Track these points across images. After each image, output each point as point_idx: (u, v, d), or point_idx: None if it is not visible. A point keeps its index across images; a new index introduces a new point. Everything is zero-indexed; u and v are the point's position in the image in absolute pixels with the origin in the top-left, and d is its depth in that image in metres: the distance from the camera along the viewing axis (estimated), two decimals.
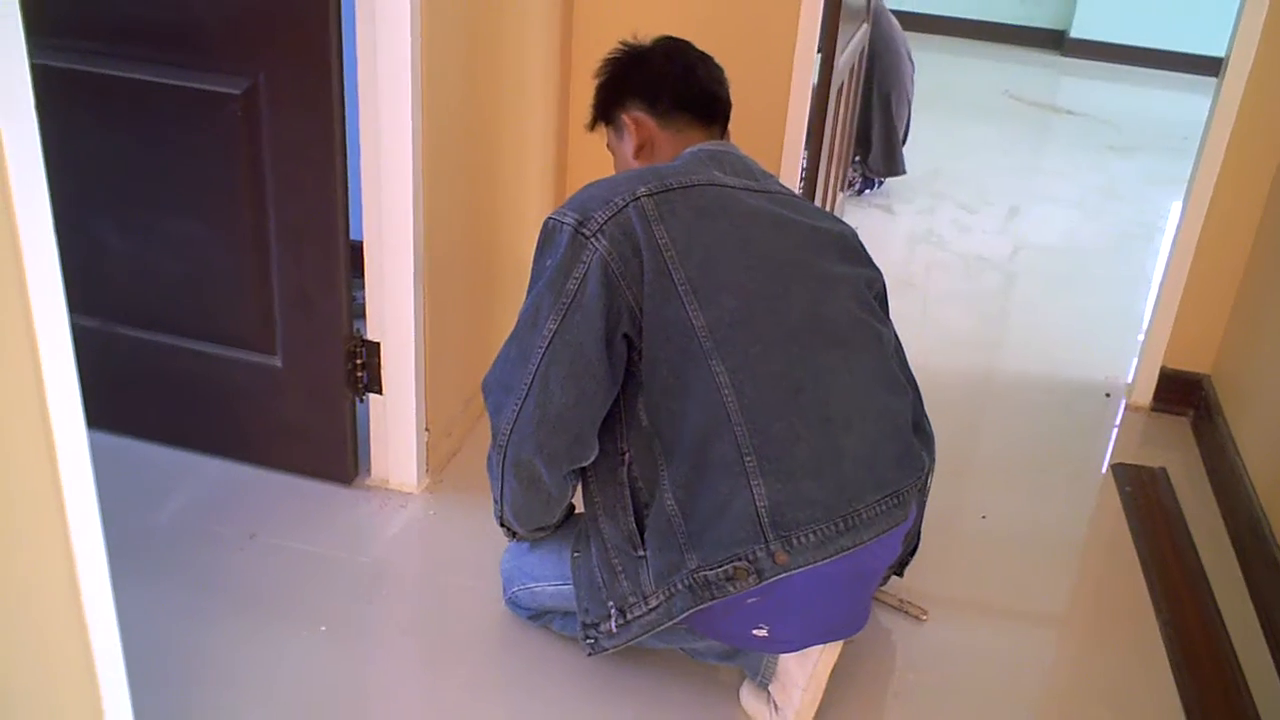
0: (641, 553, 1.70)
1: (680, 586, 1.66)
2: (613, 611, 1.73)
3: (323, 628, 2.00)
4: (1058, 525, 2.47)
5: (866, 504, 1.66)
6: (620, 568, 1.72)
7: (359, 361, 2.28)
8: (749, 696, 1.88)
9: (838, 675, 1.86)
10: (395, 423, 2.33)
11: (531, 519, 1.88)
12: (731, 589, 1.63)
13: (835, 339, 1.73)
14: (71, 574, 1.32)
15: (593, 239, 1.66)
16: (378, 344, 2.27)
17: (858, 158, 4.27)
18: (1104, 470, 2.68)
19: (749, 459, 1.62)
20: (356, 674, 1.92)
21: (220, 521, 2.23)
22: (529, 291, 1.74)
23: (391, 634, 2.02)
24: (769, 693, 1.84)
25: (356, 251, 2.21)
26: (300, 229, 2.16)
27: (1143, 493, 2.57)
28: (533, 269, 1.75)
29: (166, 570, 2.08)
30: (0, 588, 1.22)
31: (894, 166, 4.28)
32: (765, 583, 1.62)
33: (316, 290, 2.20)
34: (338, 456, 2.35)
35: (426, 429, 2.36)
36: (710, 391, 1.64)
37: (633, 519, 1.72)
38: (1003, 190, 4.60)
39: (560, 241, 1.69)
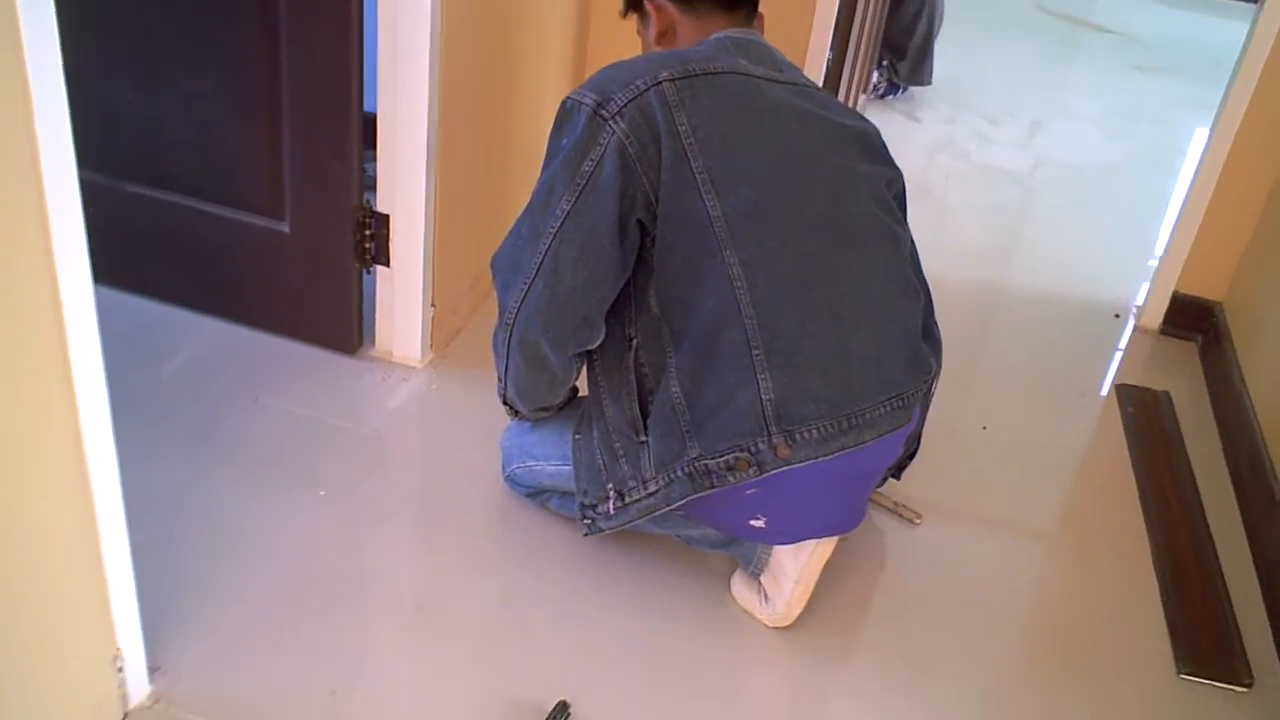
0: (643, 438, 1.70)
1: (680, 474, 1.66)
2: (611, 494, 1.74)
3: (322, 492, 2.01)
4: (1057, 441, 2.48)
5: (872, 404, 1.66)
6: (621, 451, 1.72)
7: (368, 233, 2.26)
8: (740, 585, 1.90)
9: (828, 571, 1.88)
10: (401, 296, 2.31)
11: (535, 398, 1.88)
12: (731, 479, 1.63)
13: (852, 237, 1.71)
14: (75, 423, 1.32)
15: (611, 121, 1.63)
16: (387, 216, 2.24)
17: (885, 62, 4.20)
18: (1107, 390, 2.68)
19: (757, 352, 1.62)
20: (352, 539, 1.94)
21: (224, 382, 2.23)
22: (543, 170, 1.71)
23: (389, 502, 2.04)
24: (760, 582, 1.86)
25: (370, 124, 2.18)
26: (314, 97, 2.12)
27: (1144, 415, 2.57)
28: (548, 147, 1.72)
29: (168, 427, 2.08)
30: (4, 433, 1.22)
31: (920, 76, 4.22)
32: (765, 475, 1.62)
33: (328, 159, 2.18)
34: (342, 326, 2.35)
35: (432, 304, 2.34)
36: (722, 282, 1.63)
37: (636, 405, 1.72)
38: (1026, 104, 4.53)
39: (578, 121, 1.66)
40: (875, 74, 4.17)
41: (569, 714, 1.66)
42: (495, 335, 1.82)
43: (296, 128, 2.16)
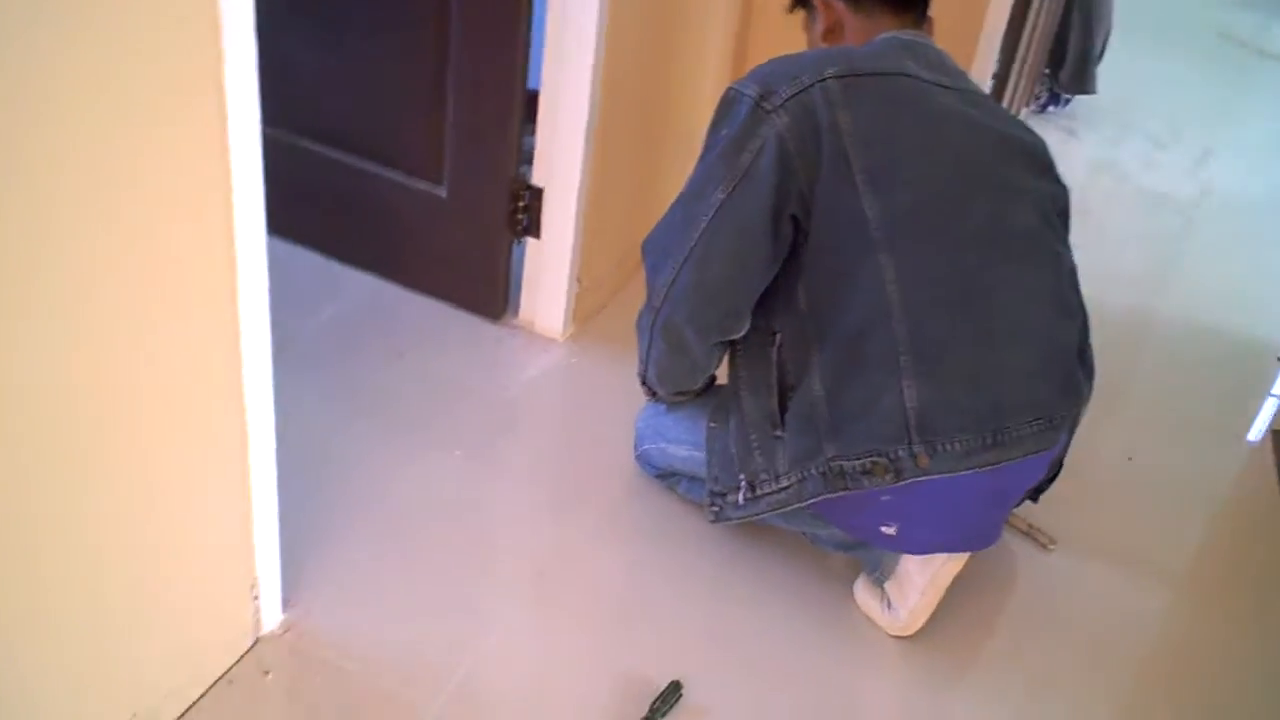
0: (779, 433, 1.69)
1: (814, 472, 1.65)
2: (742, 484, 1.74)
3: (458, 452, 2.05)
4: (1204, 482, 2.39)
5: (1018, 423, 1.62)
6: (756, 444, 1.72)
7: (521, 204, 2.29)
8: (863, 590, 1.88)
9: (954, 586, 1.84)
10: (549, 269, 2.34)
11: (674, 383, 1.89)
12: (866, 483, 1.61)
13: (1012, 251, 1.67)
14: (237, 358, 1.37)
15: (773, 114, 1.62)
16: (541, 189, 2.27)
17: (1047, 70, 4.08)
18: (1262, 435, 2.57)
19: (904, 358, 1.59)
20: (483, 500, 1.98)
21: (372, 336, 2.29)
22: (701, 159, 1.71)
23: (522, 469, 2.07)
24: (884, 589, 1.84)
25: (532, 99, 2.20)
26: (481, 70, 2.16)
27: None
28: (707, 137, 1.72)
29: (316, 373, 2.15)
30: (173, 363, 1.27)
31: (1084, 84, 4.08)
32: (902, 483, 1.60)
33: (489, 128, 2.21)
34: (489, 293, 2.39)
35: (578, 280, 2.37)
36: (875, 284, 1.60)
37: (775, 399, 1.71)
38: (1197, 130, 4.36)
39: (739, 112, 1.65)
40: (1037, 84, 4.06)
41: (680, 695, 1.67)
42: (640, 316, 1.82)
43: (462, 98, 2.20)
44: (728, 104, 1.68)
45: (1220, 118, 4.63)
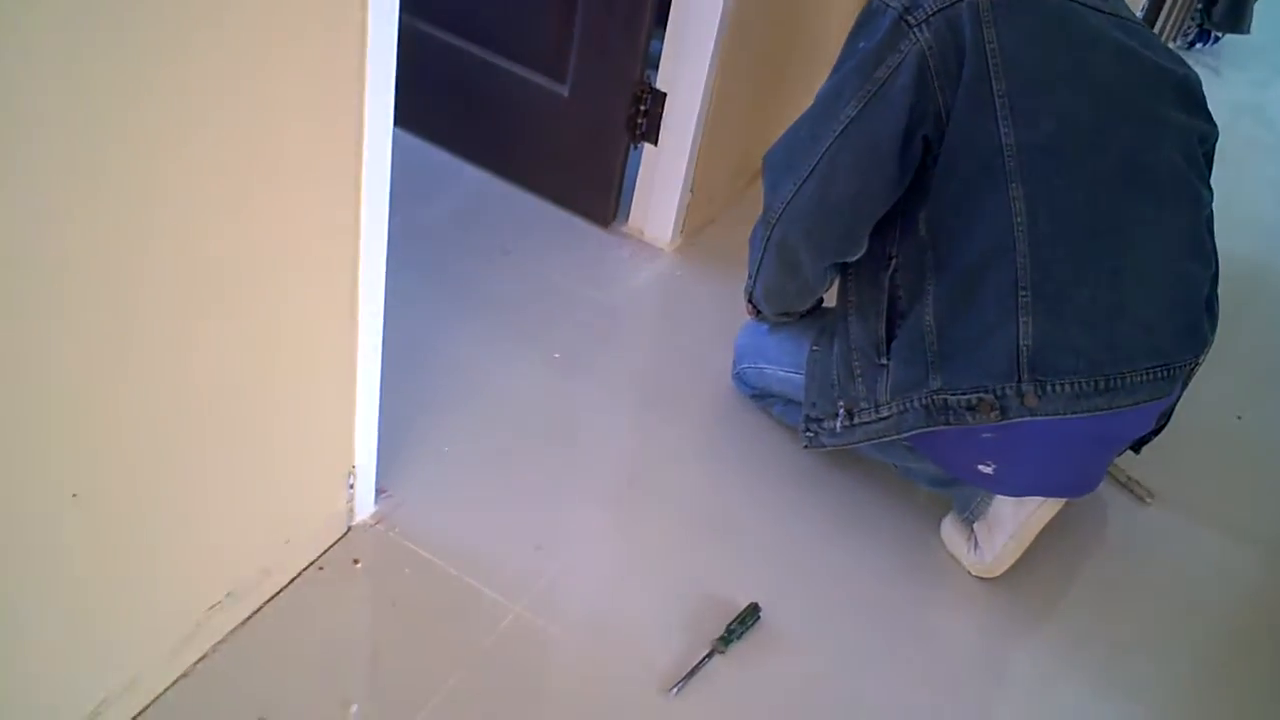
0: (884, 361, 1.67)
1: (916, 404, 1.63)
2: (840, 411, 1.72)
3: (556, 355, 2.06)
4: None
5: (1135, 369, 1.58)
6: (860, 371, 1.70)
7: (642, 108, 2.26)
8: (951, 529, 1.87)
9: (1044, 532, 1.81)
10: (663, 177, 2.32)
11: (781, 302, 1.87)
12: (970, 419, 1.59)
13: (1151, 189, 1.60)
14: (355, 245, 1.38)
15: (916, 29, 1.55)
16: (664, 94, 2.24)
17: (1200, 5, 3.89)
18: None
19: (1024, 293, 1.55)
20: (579, 406, 1.99)
21: (479, 231, 2.30)
22: (834, 71, 1.66)
23: (618, 377, 2.08)
24: (973, 529, 1.82)
25: (664, 2, 2.16)
26: None
27: None
28: (843, 49, 1.66)
29: (423, 267, 2.17)
30: (295, 244, 1.29)
31: (1239, 23, 3.88)
32: (1006, 422, 1.57)
33: (617, 29, 2.17)
34: (601, 197, 2.37)
35: (692, 190, 2.34)
36: (1002, 215, 1.55)
37: (884, 326, 1.68)
38: None
39: (881, 25, 1.58)
40: (1188, 19, 3.88)
41: (759, 617, 1.68)
42: (754, 231, 1.80)
43: None
44: (869, 15, 1.62)
45: None
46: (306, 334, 1.39)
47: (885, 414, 1.67)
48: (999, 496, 1.76)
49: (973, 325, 1.58)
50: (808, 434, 1.80)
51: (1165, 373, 1.61)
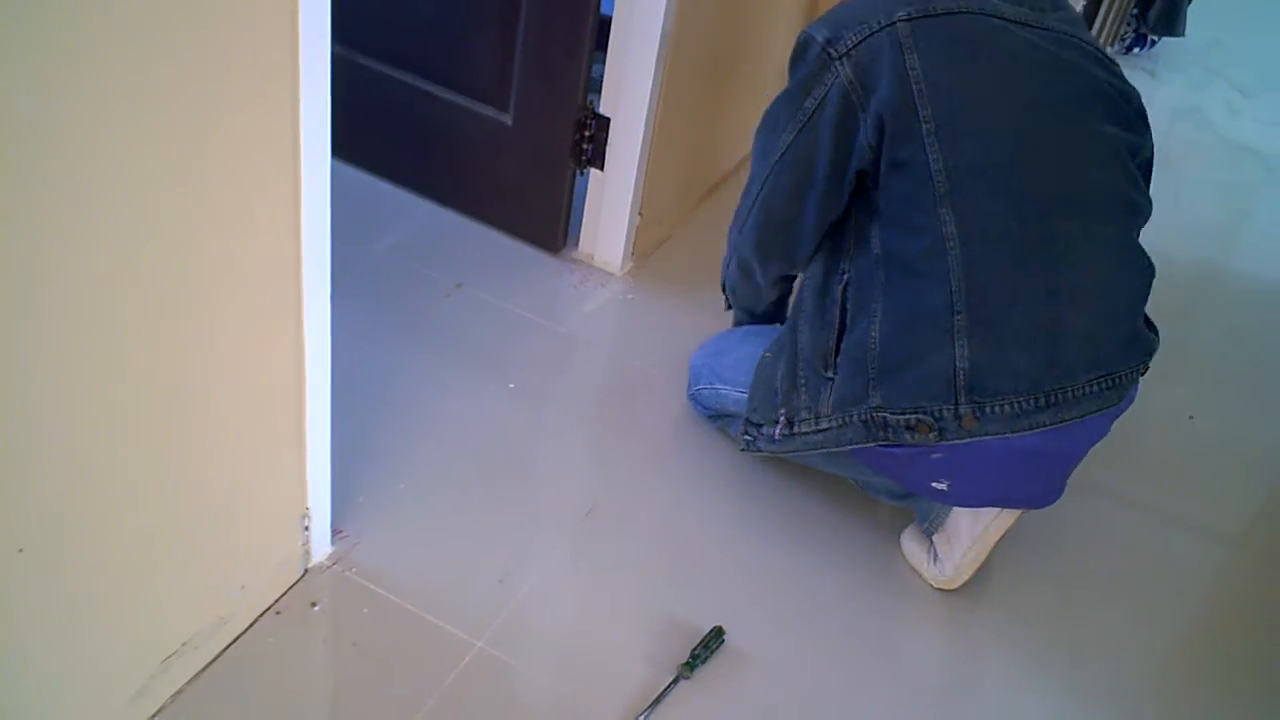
0: (830, 374, 1.67)
1: (855, 419, 1.63)
2: (780, 419, 1.73)
3: (511, 385, 2.05)
4: (1268, 443, 2.34)
5: (1078, 383, 1.59)
6: (804, 381, 1.70)
7: (587, 134, 2.26)
8: (910, 541, 1.87)
9: (1002, 541, 1.82)
10: (610, 201, 2.32)
11: (742, 300, 2.02)
12: (909, 438, 1.59)
13: (1082, 205, 1.62)
14: (298, 283, 1.37)
15: (837, 62, 1.60)
16: (608, 119, 2.24)
17: (1136, 10, 3.95)
18: None
19: (959, 316, 1.56)
20: (535, 435, 1.99)
21: (429, 265, 2.29)
22: (780, 94, 1.72)
23: (575, 404, 2.07)
24: (932, 541, 1.83)
25: (604, 26, 2.16)
26: None
27: None
28: (788, 75, 1.72)
29: (372, 302, 2.15)
30: (233, 284, 1.28)
31: (1174, 26, 3.94)
32: (945, 443, 1.58)
33: (557, 55, 2.18)
34: (550, 224, 2.37)
35: (640, 213, 2.34)
36: (935, 239, 1.57)
37: (834, 337, 1.68)
38: None
39: (808, 57, 1.64)
40: (1124, 25, 3.93)
41: (723, 640, 1.68)
42: (730, 226, 1.90)
43: (531, 21, 2.16)
44: (800, 47, 1.67)
45: None
46: (251, 376, 1.38)
47: (825, 426, 1.67)
48: (956, 508, 1.76)
49: (911, 345, 1.59)
50: (746, 437, 1.81)
51: (1111, 382, 1.62)
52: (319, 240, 1.36)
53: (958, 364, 1.56)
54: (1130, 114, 1.71)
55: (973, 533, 1.76)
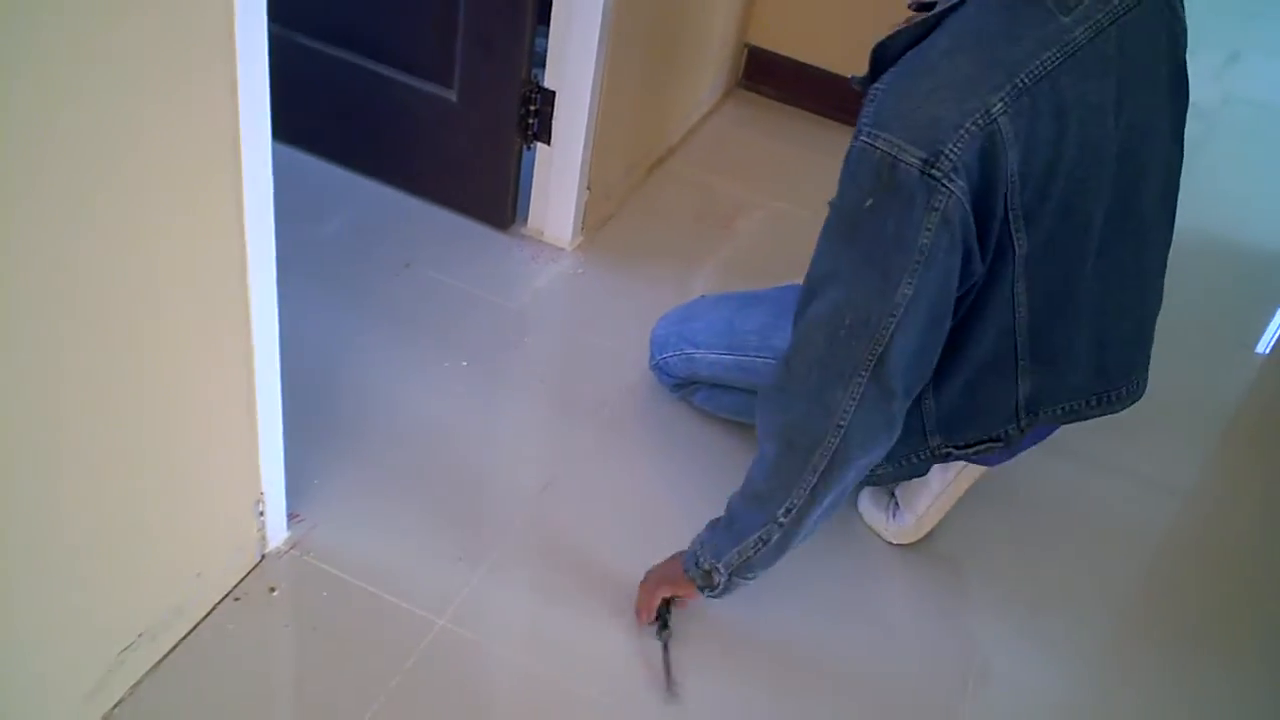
0: None
1: (917, 460, 1.65)
2: None
3: (464, 362, 2.04)
4: (1214, 395, 2.38)
5: (1127, 380, 1.66)
6: None
7: (532, 108, 2.25)
8: (868, 500, 1.89)
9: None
10: (558, 176, 2.31)
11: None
12: (973, 457, 1.65)
13: (1137, 233, 1.56)
14: (242, 268, 1.36)
15: (945, 181, 1.27)
16: (553, 93, 2.23)
17: None
18: (1272, 346, 2.56)
19: (1023, 363, 1.54)
20: (489, 411, 1.98)
21: (378, 245, 2.27)
22: (839, 236, 1.38)
23: (528, 380, 2.06)
24: (894, 495, 1.84)
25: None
26: None
27: None
28: (845, 204, 1.35)
29: (322, 283, 2.13)
30: (176, 272, 1.26)
31: None
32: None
33: (500, 30, 2.16)
34: (498, 200, 2.36)
35: (588, 187, 2.33)
36: (1004, 312, 1.47)
37: None
38: (1225, 32, 4.25)
39: (901, 184, 1.28)
40: None
41: (670, 612, 1.68)
42: (733, 532, 1.56)
43: None
44: (874, 168, 1.29)
45: (1251, 18, 4.51)
46: (198, 361, 1.36)
47: (880, 471, 1.65)
48: None
49: (975, 402, 1.58)
50: None
51: (1149, 359, 1.70)
52: (263, 223, 1.35)
53: (1020, 399, 1.58)
54: (1184, 83, 1.56)
55: (941, 481, 1.78)
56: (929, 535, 1.85)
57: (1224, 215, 3.03)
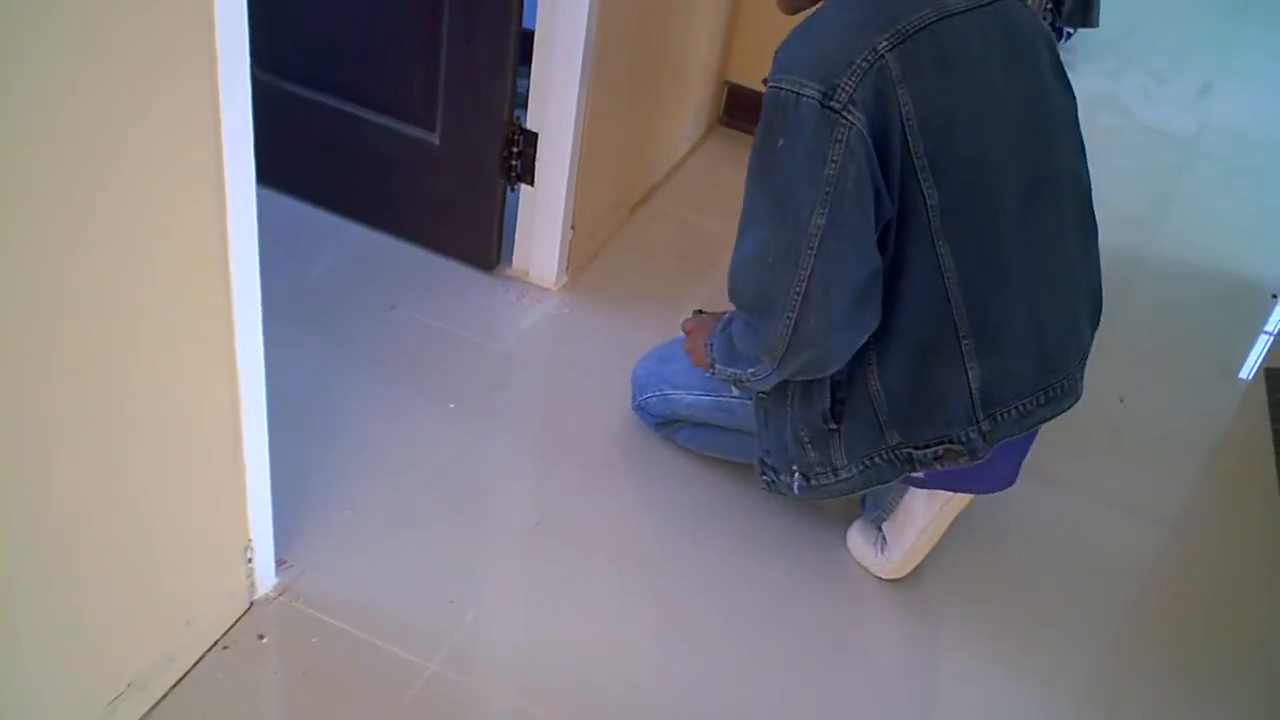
0: (834, 426, 1.63)
1: (879, 460, 1.62)
2: (795, 473, 1.69)
3: (451, 405, 2.04)
4: (1196, 422, 2.39)
5: (1069, 372, 1.64)
6: (808, 439, 1.65)
7: (515, 149, 2.26)
8: (857, 535, 1.89)
9: (946, 531, 1.84)
10: (542, 216, 2.32)
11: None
12: (938, 466, 1.60)
13: (1051, 198, 1.59)
14: (228, 314, 1.36)
15: (844, 113, 1.39)
16: (536, 134, 2.24)
17: (1050, 4, 4.02)
18: (1254, 373, 2.58)
19: (966, 341, 1.54)
20: (478, 454, 1.98)
21: (363, 288, 2.28)
22: (760, 175, 1.50)
23: (515, 422, 2.07)
24: (881, 530, 1.84)
25: (527, 40, 2.17)
26: (474, 10, 2.12)
27: None
28: (759, 148, 1.49)
29: (308, 327, 2.14)
30: (163, 319, 1.26)
31: (1088, 16, 4.01)
32: (978, 461, 1.59)
33: (482, 72, 2.18)
34: (482, 242, 2.37)
35: (572, 227, 2.35)
36: (933, 276, 1.50)
37: (828, 392, 1.62)
38: (1200, 63, 4.30)
39: (802, 117, 1.41)
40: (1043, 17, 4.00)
41: None
42: (733, 345, 1.64)
43: (455, 39, 2.16)
44: (780, 106, 1.44)
45: (1224, 48, 4.57)
46: (184, 408, 1.36)
47: (845, 476, 1.65)
48: (910, 492, 1.78)
49: (924, 387, 1.57)
50: (765, 478, 1.75)
51: (1084, 360, 1.68)
52: (248, 267, 1.35)
53: (972, 385, 1.56)
54: (1065, 73, 1.65)
55: (927, 515, 1.78)
56: (918, 570, 1.85)
57: (1203, 243, 3.06)
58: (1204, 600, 1.98)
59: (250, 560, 1.59)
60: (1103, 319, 1.77)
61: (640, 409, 2.02)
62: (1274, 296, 2.86)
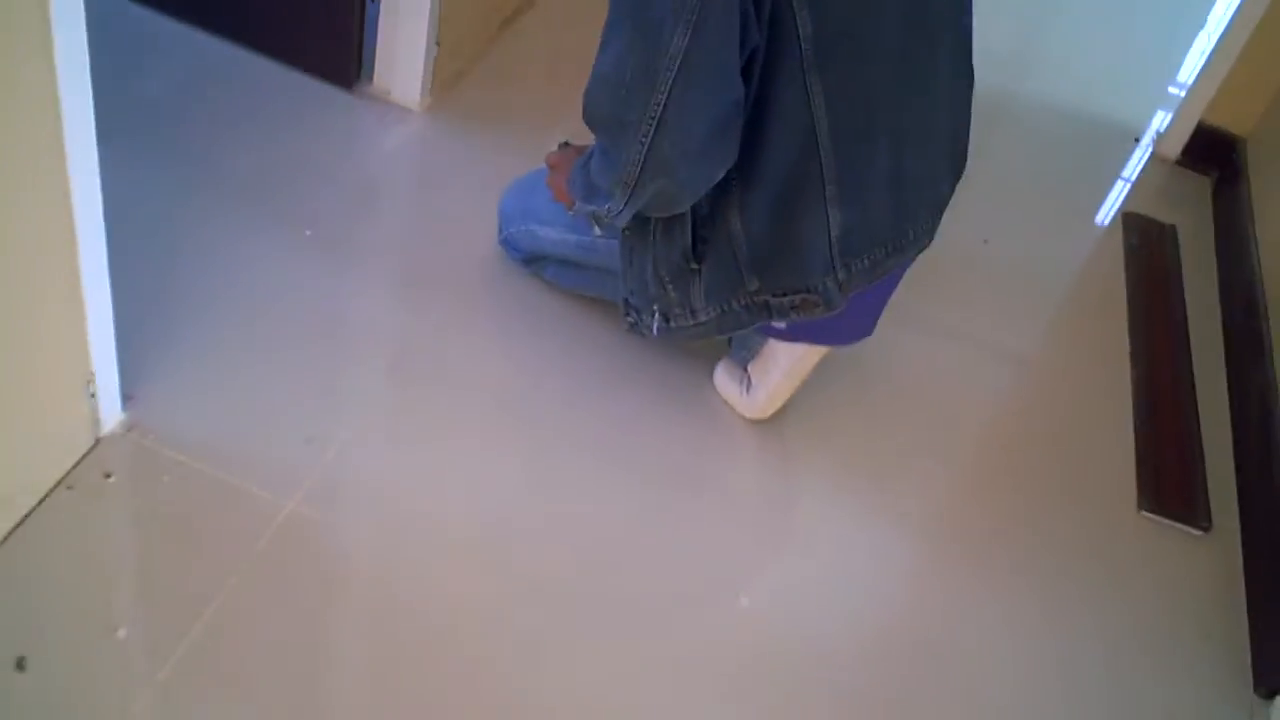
0: (695, 266, 1.59)
1: (736, 306, 1.60)
2: (655, 313, 1.67)
3: (308, 232, 1.95)
4: (1055, 263, 2.45)
5: (918, 223, 1.61)
6: (669, 279, 1.61)
7: None
8: (723, 374, 1.89)
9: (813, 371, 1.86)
10: (405, 30, 2.19)
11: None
12: (794, 316, 1.58)
13: (923, 32, 1.54)
14: (58, 127, 1.25)
15: None
16: None
17: None
18: (1113, 217, 2.63)
19: (830, 187, 1.49)
20: (336, 284, 1.90)
21: (212, 103, 2.13)
22: None
23: (375, 250, 1.99)
24: (746, 371, 1.84)
25: None
26: None
27: (1147, 246, 2.53)
28: None
29: (154, 145, 2.00)
30: None
31: None
32: (834, 311, 1.57)
33: None
34: (340, 57, 2.23)
35: (437, 43, 2.22)
36: (801, 113, 1.45)
37: (689, 231, 1.57)
38: None
39: None
40: None
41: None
42: (590, 179, 1.55)
43: None
44: None
45: None
46: (11, 231, 1.26)
47: (703, 319, 1.63)
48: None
49: (786, 230, 1.52)
50: (628, 319, 1.73)
51: (938, 213, 1.66)
52: (78, 75, 1.23)
53: (832, 233, 1.52)
54: None
55: (790, 359, 1.78)
56: (782, 411, 1.86)
57: (1072, 85, 3.08)
58: (1050, 431, 2.05)
59: (93, 394, 1.50)
60: (969, 160, 1.76)
61: (506, 243, 1.96)
62: (1136, 140, 2.91)
